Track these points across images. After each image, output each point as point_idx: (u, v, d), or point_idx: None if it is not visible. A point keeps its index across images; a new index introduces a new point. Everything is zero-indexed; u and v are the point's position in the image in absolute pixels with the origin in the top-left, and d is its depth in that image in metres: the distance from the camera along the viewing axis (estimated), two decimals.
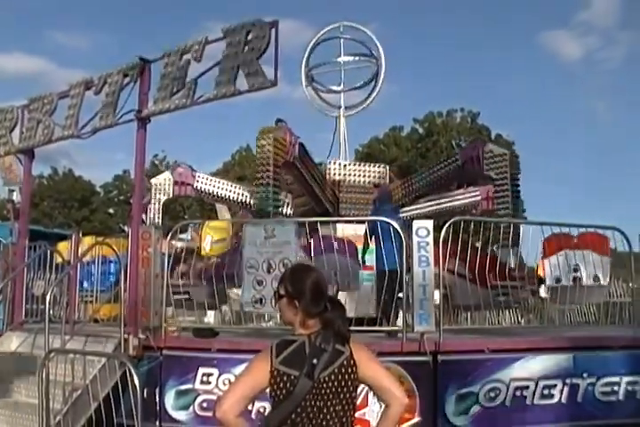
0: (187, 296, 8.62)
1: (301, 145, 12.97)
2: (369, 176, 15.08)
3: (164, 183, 14.88)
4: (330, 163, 15.57)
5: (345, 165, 15.09)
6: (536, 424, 7.22)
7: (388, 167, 15.92)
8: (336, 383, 3.13)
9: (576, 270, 8.56)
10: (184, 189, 14.32)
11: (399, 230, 7.60)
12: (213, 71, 7.20)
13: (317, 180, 14.00)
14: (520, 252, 9.61)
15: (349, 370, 3.16)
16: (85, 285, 9.63)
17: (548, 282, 8.72)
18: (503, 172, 12.84)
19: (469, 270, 7.98)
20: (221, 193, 14.70)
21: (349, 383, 3.16)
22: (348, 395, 3.16)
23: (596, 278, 8.60)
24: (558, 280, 8.60)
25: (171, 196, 14.84)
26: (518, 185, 13.17)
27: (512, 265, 9.21)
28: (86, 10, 71.47)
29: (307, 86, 16.61)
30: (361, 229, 9.51)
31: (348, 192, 14.81)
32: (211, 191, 14.72)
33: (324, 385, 3.12)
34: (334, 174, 15.00)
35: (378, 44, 16.29)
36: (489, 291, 8.16)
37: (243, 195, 14.75)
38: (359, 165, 15.45)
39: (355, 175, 15.04)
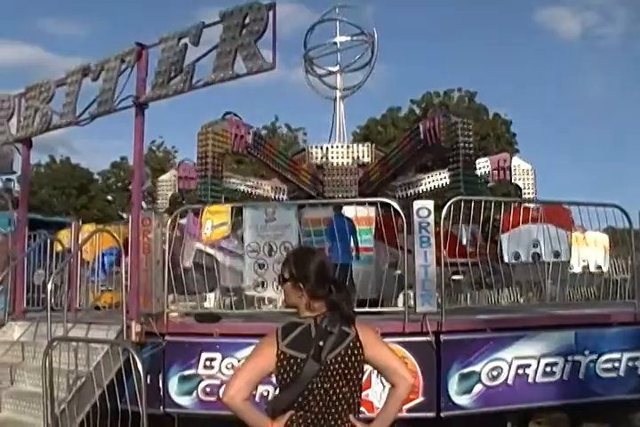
0: None
1: (256, 134, 13.48)
2: (352, 157, 15.08)
3: (169, 180, 15.09)
4: (310, 147, 15.61)
5: (327, 148, 15.11)
6: (539, 402, 7.29)
7: (372, 145, 15.72)
8: (343, 365, 3.15)
9: (535, 246, 8.42)
10: (187, 183, 14.32)
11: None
12: (211, 55, 7.13)
13: (284, 166, 14.10)
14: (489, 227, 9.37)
15: (356, 351, 3.18)
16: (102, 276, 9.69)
17: (506, 259, 8.49)
18: (456, 142, 12.39)
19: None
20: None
21: (356, 365, 3.18)
22: (354, 376, 3.18)
23: (556, 254, 8.48)
24: (517, 256, 8.45)
25: (176, 191, 14.87)
26: (471, 155, 12.74)
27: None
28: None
29: (307, 70, 16.50)
30: (362, 211, 9.53)
31: (332, 175, 14.81)
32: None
33: (331, 367, 3.14)
34: (316, 158, 15.07)
35: (371, 23, 16.22)
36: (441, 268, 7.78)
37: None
38: (341, 146, 15.39)
39: (337, 157, 15.04)
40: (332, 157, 14.88)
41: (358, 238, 10.05)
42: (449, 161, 12.82)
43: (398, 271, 8.21)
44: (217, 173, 12.81)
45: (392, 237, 7.99)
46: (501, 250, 8.55)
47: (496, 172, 14.29)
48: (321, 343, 3.14)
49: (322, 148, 15.13)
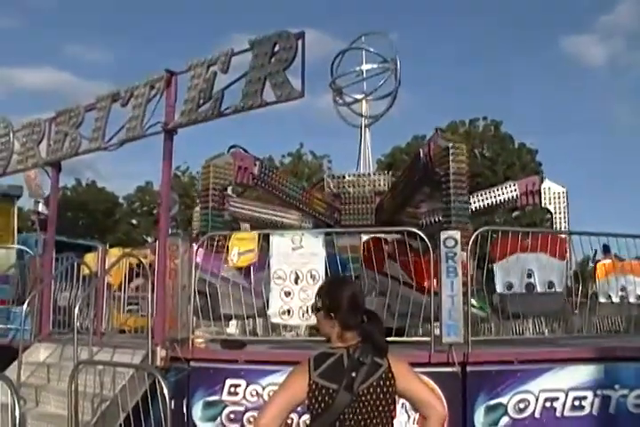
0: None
1: (262, 165, 13.52)
2: (369, 185, 15.12)
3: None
4: (328, 176, 15.74)
5: (344, 177, 15.22)
6: None
7: (389, 173, 15.72)
8: (374, 396, 3.13)
9: (530, 276, 8.17)
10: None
11: None
12: (240, 83, 7.22)
13: (295, 196, 14.21)
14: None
15: (388, 383, 3.16)
16: None
17: (498, 289, 8.20)
18: (446, 168, 11.71)
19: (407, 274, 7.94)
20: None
21: (388, 396, 3.15)
22: (386, 408, 3.15)
23: (550, 285, 8.21)
24: (510, 286, 8.17)
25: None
26: (463, 181, 11.87)
27: None
28: (105, 23, 71.96)
29: (335, 100, 16.59)
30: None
31: (348, 203, 14.89)
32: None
33: (363, 398, 3.11)
34: (333, 187, 15.18)
35: (395, 51, 16.30)
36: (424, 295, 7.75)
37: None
38: (358, 175, 15.47)
39: (354, 186, 15.11)
40: (349, 186, 14.98)
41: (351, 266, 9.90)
42: (442, 188, 12.08)
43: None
44: (219, 205, 12.90)
45: (380, 265, 7.95)
46: (494, 280, 8.31)
47: (524, 196, 13.66)
48: (353, 374, 3.12)
49: (338, 177, 15.26)
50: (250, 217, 14.38)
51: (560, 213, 13.51)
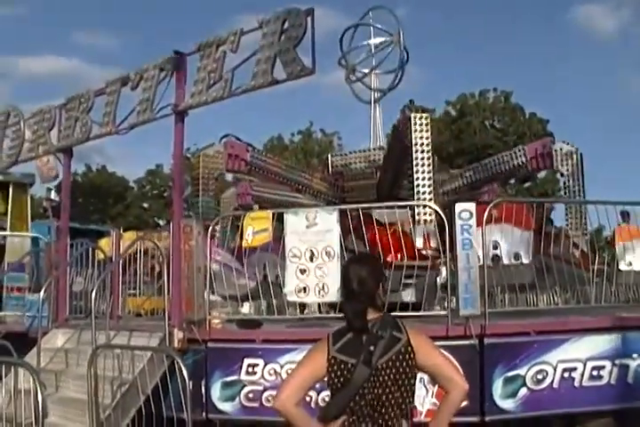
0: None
1: (255, 152, 14.03)
2: (369, 161, 15.09)
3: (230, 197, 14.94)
4: (331, 155, 15.80)
5: (346, 154, 15.25)
6: (585, 406, 7.12)
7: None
8: (394, 370, 3.12)
9: (495, 247, 8.07)
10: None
11: None
12: (250, 62, 7.16)
13: (294, 178, 14.36)
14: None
15: (407, 357, 3.15)
16: None
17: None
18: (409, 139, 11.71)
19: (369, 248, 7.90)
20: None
21: (407, 370, 3.14)
22: (406, 382, 3.15)
23: (516, 256, 8.15)
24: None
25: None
26: (428, 152, 11.88)
27: None
28: (110, 8, 71.54)
29: (347, 77, 16.47)
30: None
31: (351, 180, 14.91)
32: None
33: (382, 372, 3.11)
34: (336, 166, 15.22)
35: (402, 24, 16.12)
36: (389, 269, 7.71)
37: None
38: (359, 151, 15.44)
39: (356, 162, 15.10)
40: (351, 163, 15.00)
41: None
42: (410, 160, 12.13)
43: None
44: (209, 192, 14.03)
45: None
46: None
47: (534, 160, 13.17)
48: (371, 348, 3.12)
49: (341, 154, 15.31)
50: (272, 200, 14.45)
51: (573, 176, 13.19)
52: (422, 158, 11.76)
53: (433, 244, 8.86)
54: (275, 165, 14.18)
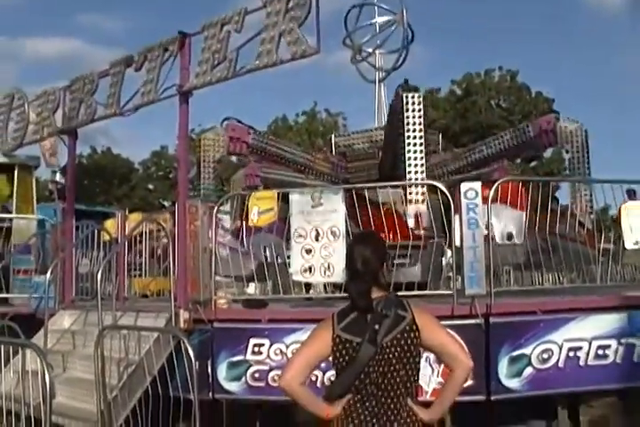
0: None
1: (257, 134, 14.19)
2: (374, 140, 15.05)
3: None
4: (335, 136, 15.79)
5: (348, 135, 15.24)
6: (590, 385, 7.12)
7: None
8: (399, 349, 3.12)
9: (487, 227, 7.82)
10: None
11: None
12: (254, 42, 7.09)
13: (296, 159, 14.35)
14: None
15: (412, 335, 3.14)
16: None
17: (457, 242, 7.83)
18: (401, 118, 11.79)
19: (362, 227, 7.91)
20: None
21: (412, 348, 3.14)
22: (411, 360, 3.15)
23: (509, 236, 8.19)
24: None
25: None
26: (420, 131, 11.90)
27: None
28: None
29: (353, 58, 16.38)
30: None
31: (354, 160, 14.91)
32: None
33: (387, 351, 3.11)
34: (339, 146, 15.22)
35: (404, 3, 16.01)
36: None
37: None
38: (362, 131, 15.41)
39: (359, 143, 15.08)
40: (354, 144, 14.99)
41: None
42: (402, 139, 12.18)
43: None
44: (210, 175, 14.18)
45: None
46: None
47: (540, 137, 13.24)
48: (376, 327, 3.12)
49: (343, 135, 15.29)
50: (280, 181, 14.47)
51: (578, 153, 13.20)
52: (414, 137, 11.76)
53: (425, 223, 8.86)
54: (276, 146, 14.21)
